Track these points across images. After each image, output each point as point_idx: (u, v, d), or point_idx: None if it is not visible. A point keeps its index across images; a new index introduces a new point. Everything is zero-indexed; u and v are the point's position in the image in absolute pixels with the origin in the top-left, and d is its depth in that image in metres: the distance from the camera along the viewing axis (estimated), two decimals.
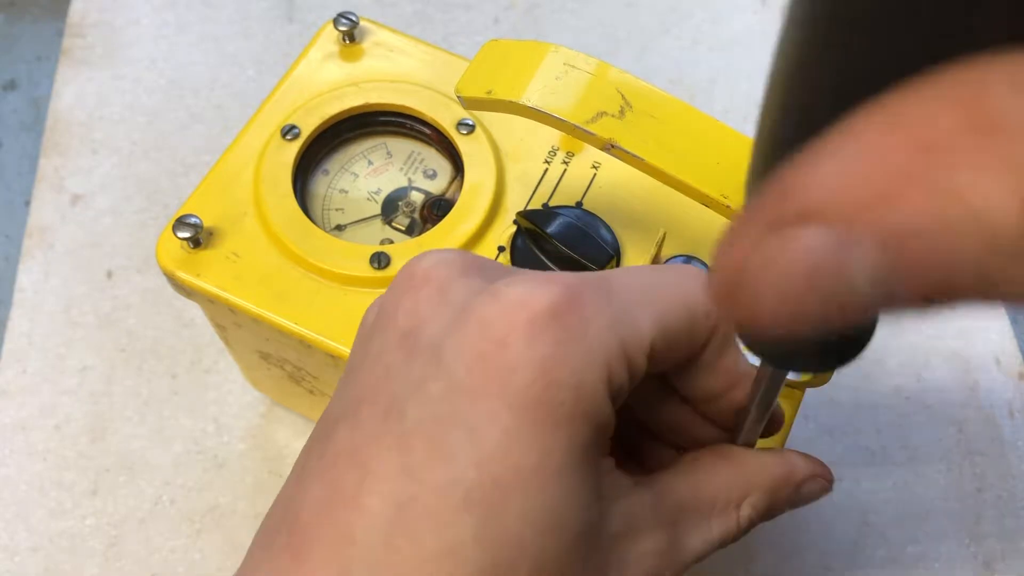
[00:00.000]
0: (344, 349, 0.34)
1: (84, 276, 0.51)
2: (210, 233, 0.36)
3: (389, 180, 0.39)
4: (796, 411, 0.36)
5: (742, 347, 0.24)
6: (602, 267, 0.34)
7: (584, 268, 0.34)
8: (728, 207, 0.29)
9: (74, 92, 0.57)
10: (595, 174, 0.38)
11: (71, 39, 0.59)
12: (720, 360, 0.25)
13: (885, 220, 0.13)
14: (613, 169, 0.38)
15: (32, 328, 0.49)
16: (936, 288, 0.13)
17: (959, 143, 0.12)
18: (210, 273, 0.36)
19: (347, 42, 0.41)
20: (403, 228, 0.38)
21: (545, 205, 0.37)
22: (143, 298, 0.50)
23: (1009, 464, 0.47)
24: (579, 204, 0.37)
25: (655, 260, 0.36)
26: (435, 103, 0.39)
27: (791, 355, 0.20)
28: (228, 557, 0.44)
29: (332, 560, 0.21)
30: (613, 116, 0.30)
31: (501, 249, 0.36)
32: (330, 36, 0.41)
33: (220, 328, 0.40)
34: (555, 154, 0.38)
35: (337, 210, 0.38)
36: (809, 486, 0.26)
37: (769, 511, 0.26)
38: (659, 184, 0.30)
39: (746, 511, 0.25)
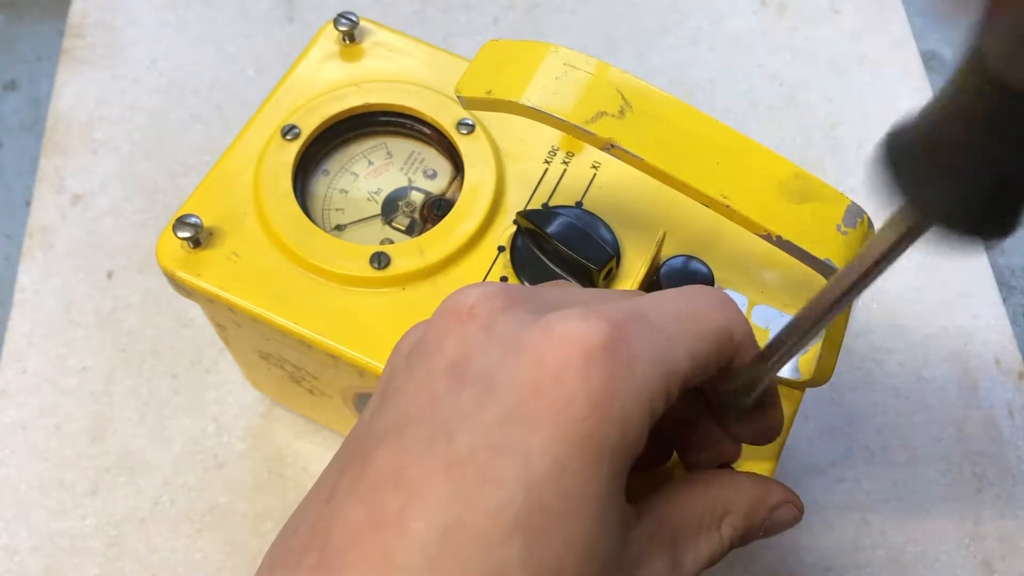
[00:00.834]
0: (344, 349, 0.34)
1: (84, 276, 0.51)
2: (210, 233, 0.37)
3: (389, 180, 0.39)
4: (796, 411, 0.36)
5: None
6: (602, 267, 0.34)
7: (584, 268, 0.34)
8: (728, 207, 0.29)
9: (74, 92, 0.57)
10: (595, 174, 0.38)
11: (71, 39, 0.59)
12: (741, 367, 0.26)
13: None
14: (613, 169, 0.38)
15: (32, 328, 0.49)
16: None
17: None
18: (210, 273, 0.36)
19: (347, 42, 0.41)
20: (403, 228, 0.38)
21: (545, 205, 0.37)
22: (143, 298, 0.50)
23: (1009, 464, 0.47)
24: (579, 204, 0.37)
25: (655, 260, 0.36)
26: (435, 103, 0.39)
27: (959, 198, 0.19)
28: (228, 557, 0.44)
29: None
30: (613, 116, 0.30)
31: (501, 249, 0.36)
32: (330, 36, 0.41)
33: (220, 328, 0.40)
34: (555, 154, 0.38)
35: (337, 210, 0.38)
36: (781, 512, 0.28)
37: (746, 532, 0.27)
38: (659, 184, 0.30)
39: (727, 531, 0.26)
